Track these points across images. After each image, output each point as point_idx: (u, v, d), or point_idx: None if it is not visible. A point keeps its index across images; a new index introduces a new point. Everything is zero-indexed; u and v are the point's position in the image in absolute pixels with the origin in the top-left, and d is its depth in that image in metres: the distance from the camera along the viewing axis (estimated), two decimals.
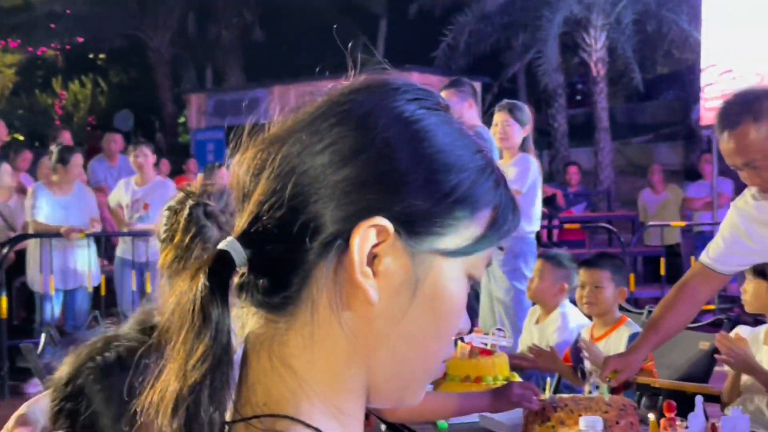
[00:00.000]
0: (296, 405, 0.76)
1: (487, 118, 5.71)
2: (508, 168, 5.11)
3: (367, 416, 3.19)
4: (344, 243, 0.76)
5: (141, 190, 7.39)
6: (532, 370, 4.23)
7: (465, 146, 0.83)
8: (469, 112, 5.70)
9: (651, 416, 2.25)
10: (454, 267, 0.80)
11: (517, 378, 3.26)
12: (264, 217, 0.78)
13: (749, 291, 3.26)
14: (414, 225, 0.78)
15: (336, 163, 0.77)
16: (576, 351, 3.89)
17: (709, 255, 2.89)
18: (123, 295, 7.18)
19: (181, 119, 17.07)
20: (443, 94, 5.66)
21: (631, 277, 8.57)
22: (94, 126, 19.42)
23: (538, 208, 5.32)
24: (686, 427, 2.19)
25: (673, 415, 2.20)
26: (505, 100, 5.39)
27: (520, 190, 5.07)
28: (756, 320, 3.42)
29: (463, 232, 0.80)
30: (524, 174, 5.16)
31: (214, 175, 7.73)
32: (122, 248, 7.33)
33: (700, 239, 9.84)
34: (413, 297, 0.78)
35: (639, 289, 9.30)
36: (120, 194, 7.49)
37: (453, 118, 0.86)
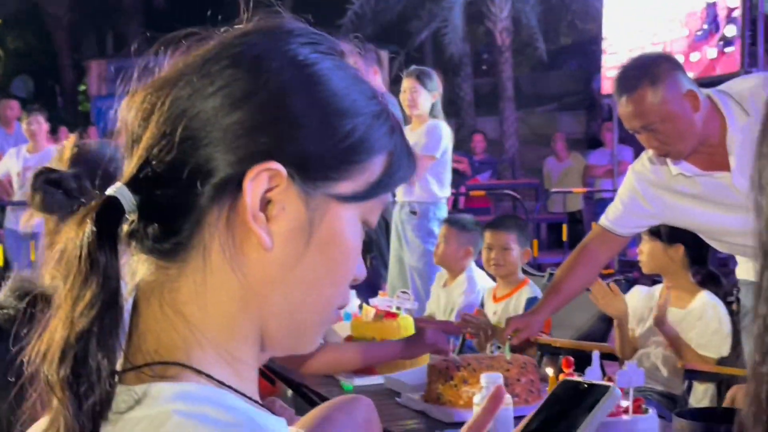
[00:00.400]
0: (187, 352, 0.75)
1: (396, 87, 5.71)
2: (419, 135, 5.15)
3: (273, 381, 3.18)
4: (236, 187, 0.75)
5: (33, 158, 7.18)
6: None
7: (360, 91, 0.83)
8: (374, 78, 5.70)
9: (550, 371, 2.31)
10: (348, 212, 0.80)
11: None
12: (153, 162, 0.76)
13: (645, 251, 3.36)
14: (308, 170, 0.77)
15: (228, 106, 0.76)
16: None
17: (608, 217, 2.96)
18: (17, 267, 6.99)
19: (83, 87, 16.60)
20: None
21: (534, 243, 8.75)
22: None
23: (449, 174, 5.37)
24: None
25: (571, 370, 2.26)
26: (413, 67, 5.39)
27: (433, 156, 5.12)
28: (654, 281, 3.53)
29: (357, 177, 0.80)
30: (437, 140, 5.19)
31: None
32: (9, 218, 7.13)
33: (601, 206, 10.08)
34: (308, 242, 0.78)
35: (542, 255, 9.50)
36: (10, 163, 7.27)
37: (348, 63, 0.85)
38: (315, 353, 2.61)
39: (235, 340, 0.77)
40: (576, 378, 2.26)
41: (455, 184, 10.83)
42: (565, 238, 9.37)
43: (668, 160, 2.74)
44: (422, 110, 5.20)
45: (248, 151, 0.76)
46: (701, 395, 3.18)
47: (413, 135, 5.16)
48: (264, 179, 0.75)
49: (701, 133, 2.64)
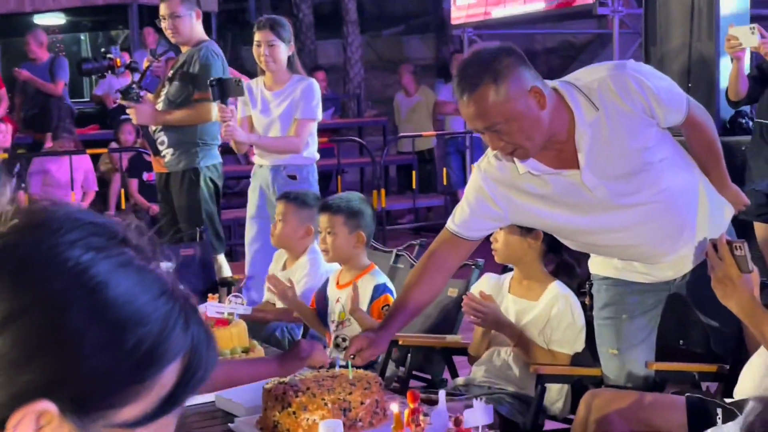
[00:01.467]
0: None
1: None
2: (292, 96, 5.18)
3: None
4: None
5: None
6: (275, 323, 4.27)
7: (147, 290, 0.78)
8: (196, 23, 5.54)
9: (395, 408, 2.31)
10: None
11: (257, 346, 3.25)
12: None
13: (500, 240, 3.38)
14: (85, 403, 0.73)
15: None
16: (321, 298, 3.94)
17: (455, 222, 2.96)
18: None
19: None
20: (164, 6, 5.44)
21: (382, 192, 8.81)
22: None
23: (315, 133, 5.41)
24: (430, 423, 2.26)
25: (416, 405, 2.26)
26: (265, 16, 5.28)
27: (315, 119, 5.22)
28: (504, 268, 3.59)
29: (146, 396, 0.76)
30: (316, 101, 5.24)
31: None
32: None
33: (452, 144, 10.25)
34: None
35: (391, 201, 9.59)
36: None
37: (130, 254, 0.80)
38: None
39: None
40: (422, 418, 2.28)
41: None
42: (414, 185, 9.48)
43: (515, 159, 2.76)
44: (282, 65, 5.19)
45: (12, 390, 0.70)
46: (555, 395, 3.29)
47: (279, 96, 5.17)
48: (30, 421, 0.70)
49: (549, 129, 2.66)
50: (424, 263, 3.04)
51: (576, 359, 3.29)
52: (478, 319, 3.29)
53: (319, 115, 5.31)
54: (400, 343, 3.48)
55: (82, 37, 14.41)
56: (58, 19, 12.89)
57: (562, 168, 2.74)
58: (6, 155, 8.17)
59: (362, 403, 2.62)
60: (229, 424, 2.78)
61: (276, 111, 5.23)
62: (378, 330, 3.02)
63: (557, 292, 3.32)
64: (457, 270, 3.90)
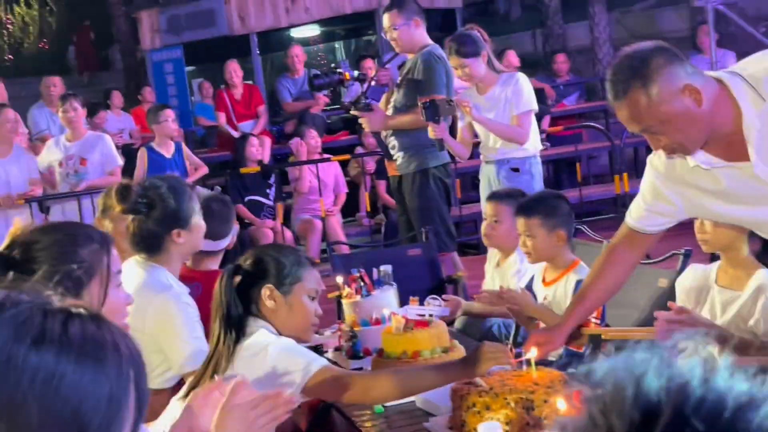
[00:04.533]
0: None
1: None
2: (505, 96, 5.46)
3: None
4: None
5: (74, 146, 7.41)
6: (493, 319, 4.36)
7: (96, 375, 0.82)
8: (416, 31, 5.73)
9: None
10: None
11: (457, 345, 3.36)
12: None
13: (707, 230, 3.28)
14: None
15: None
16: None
17: (632, 216, 2.95)
18: None
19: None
20: (385, 18, 5.68)
21: (624, 176, 8.64)
22: (46, 52, 19.29)
23: (535, 125, 5.63)
24: None
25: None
26: (449, 39, 5.47)
27: (532, 109, 5.48)
28: (712, 258, 3.48)
29: None
30: (528, 93, 5.49)
31: (158, 117, 7.77)
32: (55, 212, 7.38)
33: None
34: None
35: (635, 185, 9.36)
36: (51, 154, 7.49)
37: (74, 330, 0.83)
38: (373, 381, 2.72)
39: None
40: None
41: (539, 114, 10.77)
42: None
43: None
44: (482, 78, 5.48)
45: None
46: None
47: (491, 99, 5.42)
48: None
49: (711, 124, 2.59)
50: (605, 257, 3.04)
51: None
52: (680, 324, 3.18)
53: (535, 105, 5.48)
54: (603, 337, 3.47)
55: (336, 46, 15.07)
56: (312, 30, 13.57)
57: (734, 160, 2.66)
58: (258, 168, 8.75)
59: (546, 402, 2.68)
60: (424, 423, 2.92)
61: (492, 113, 5.41)
62: (554, 327, 3.05)
63: (764, 280, 3.19)
64: (666, 260, 3.85)
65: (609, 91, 2.63)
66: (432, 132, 5.45)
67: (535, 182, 5.45)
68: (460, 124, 5.67)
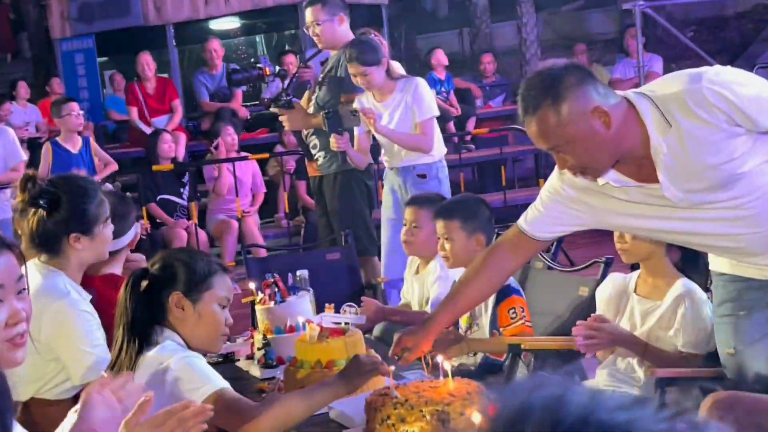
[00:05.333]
0: None
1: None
2: (405, 102, 5.42)
3: None
4: None
5: None
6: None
7: None
8: (340, 27, 5.72)
9: None
10: None
11: (375, 355, 3.35)
12: None
13: (628, 239, 3.33)
14: None
15: None
16: None
17: (527, 220, 3.00)
18: None
19: None
20: (308, 13, 5.66)
21: None
22: None
23: (437, 129, 5.60)
24: None
25: None
26: (348, 48, 5.44)
27: (434, 116, 5.46)
28: (633, 268, 3.55)
29: None
30: (428, 97, 5.48)
31: (61, 110, 7.63)
32: None
33: None
34: None
35: None
36: None
37: None
38: (259, 415, 2.68)
39: None
40: None
41: (464, 115, 10.88)
42: None
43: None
44: (381, 85, 5.44)
45: None
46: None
47: (389, 106, 5.40)
48: None
49: (620, 148, 2.65)
50: (483, 259, 3.10)
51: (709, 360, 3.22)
52: (593, 344, 3.25)
53: (436, 110, 5.50)
54: (523, 347, 3.52)
55: (258, 39, 14.97)
56: (232, 23, 13.46)
57: (644, 182, 2.72)
58: (172, 166, 8.66)
59: (462, 414, 2.70)
60: None
61: (392, 120, 5.41)
62: (422, 326, 3.10)
63: (683, 290, 3.26)
64: (587, 267, 3.92)
65: (520, 106, 2.67)
66: (334, 143, 5.46)
67: (443, 187, 5.46)
68: (357, 132, 5.63)
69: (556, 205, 2.94)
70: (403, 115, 5.41)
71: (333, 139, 5.44)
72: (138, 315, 2.78)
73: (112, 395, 2.19)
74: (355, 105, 5.52)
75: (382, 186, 5.77)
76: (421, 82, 5.51)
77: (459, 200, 3.99)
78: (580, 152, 2.65)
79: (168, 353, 2.72)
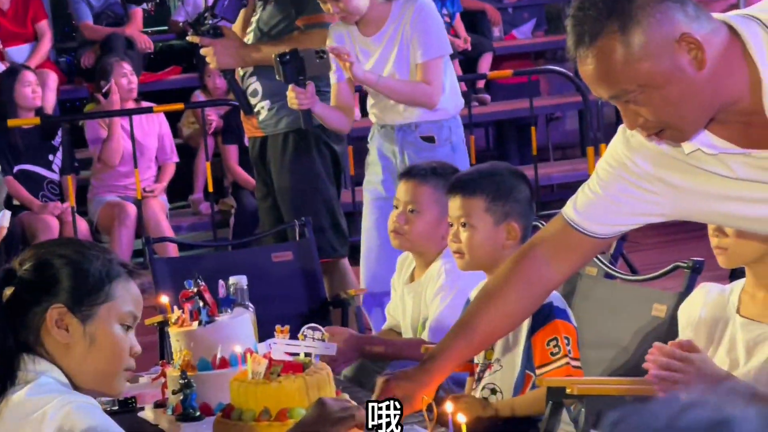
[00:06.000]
0: None
1: None
2: (391, 37, 5.47)
3: None
4: None
5: None
6: (403, 362, 4.39)
7: None
8: None
9: None
10: None
11: (349, 402, 3.37)
12: None
13: (730, 233, 3.34)
14: None
15: None
16: None
17: (576, 207, 3.01)
18: None
19: None
20: None
21: (601, 147, 8.80)
22: None
23: (452, 74, 5.65)
24: None
25: None
26: None
27: (443, 54, 5.50)
28: (732, 274, 3.58)
29: None
30: (438, 29, 5.52)
31: None
32: None
33: None
34: None
35: None
36: None
37: None
38: None
39: None
40: None
41: (476, 50, 10.86)
42: None
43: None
44: (364, 9, 5.42)
45: None
46: None
47: (382, 40, 5.47)
48: None
49: (717, 96, 2.66)
50: (515, 263, 3.13)
51: None
52: (673, 380, 3.22)
53: (447, 46, 5.53)
54: (568, 391, 3.53)
55: None
56: None
57: (754, 148, 2.73)
58: (37, 120, 8.62)
59: None
60: None
61: (385, 62, 5.39)
62: (420, 368, 3.12)
63: None
64: (664, 275, 3.94)
65: (569, 34, 2.68)
66: (292, 98, 5.42)
67: (458, 155, 5.49)
68: (334, 79, 5.57)
69: (621, 186, 2.94)
70: (400, 55, 5.41)
71: (291, 93, 5.39)
72: (0, 339, 2.77)
73: None
74: (328, 42, 5.49)
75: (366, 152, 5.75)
76: (427, 3, 5.48)
77: (485, 170, 3.99)
78: (660, 102, 2.65)
79: (44, 395, 2.71)
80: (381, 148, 5.59)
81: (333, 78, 5.54)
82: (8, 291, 2.80)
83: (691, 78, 2.63)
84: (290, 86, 5.38)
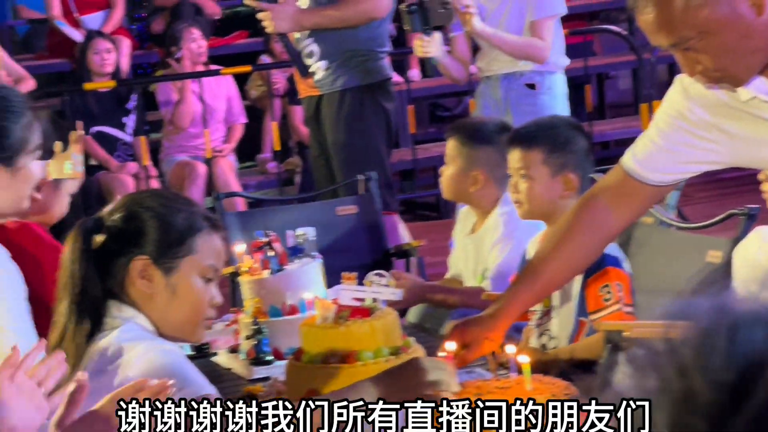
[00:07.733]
0: None
1: None
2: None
3: None
4: None
5: None
6: (463, 309, 4.38)
7: None
8: None
9: None
10: None
11: (413, 345, 3.35)
12: None
13: None
14: None
15: None
16: None
17: (635, 155, 2.99)
18: None
19: None
20: None
21: (654, 104, 8.73)
22: None
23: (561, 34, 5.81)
24: None
25: None
26: None
27: (557, 13, 5.68)
28: None
29: None
30: None
31: None
32: None
33: None
34: None
35: None
36: None
37: None
38: None
39: None
40: None
41: None
42: None
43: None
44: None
45: None
46: None
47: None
48: None
49: None
50: (575, 213, 3.11)
51: None
52: None
53: (562, 6, 5.70)
54: (626, 334, 3.51)
55: None
56: None
57: None
58: (114, 83, 8.66)
59: None
60: None
61: (501, 16, 5.45)
62: (488, 315, 3.09)
63: None
64: (719, 222, 3.91)
65: None
66: (419, 47, 5.53)
67: (558, 105, 5.63)
68: (453, 34, 5.71)
69: (679, 135, 2.93)
70: (514, 10, 5.48)
71: (418, 42, 5.50)
72: (89, 286, 2.78)
73: (27, 379, 2.21)
74: None
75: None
76: None
77: (543, 123, 3.98)
78: (719, 49, 2.63)
79: (130, 342, 2.72)
80: (486, 98, 5.74)
81: (453, 32, 5.66)
82: (99, 238, 2.81)
83: (750, 23, 2.61)
84: (417, 35, 5.51)
